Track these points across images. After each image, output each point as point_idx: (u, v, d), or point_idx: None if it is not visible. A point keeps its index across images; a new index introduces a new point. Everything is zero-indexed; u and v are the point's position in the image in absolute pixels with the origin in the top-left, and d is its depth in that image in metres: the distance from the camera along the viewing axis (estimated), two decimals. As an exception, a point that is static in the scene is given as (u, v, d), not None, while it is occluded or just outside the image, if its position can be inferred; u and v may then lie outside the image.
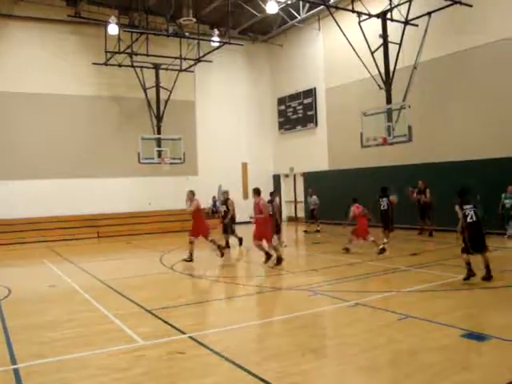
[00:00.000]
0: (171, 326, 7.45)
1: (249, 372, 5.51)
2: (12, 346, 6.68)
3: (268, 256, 13.06)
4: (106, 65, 23.11)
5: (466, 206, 9.79)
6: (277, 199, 17.15)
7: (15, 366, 5.90)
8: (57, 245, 19.81)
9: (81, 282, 11.55)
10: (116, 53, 22.33)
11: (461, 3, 17.56)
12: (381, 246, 14.18)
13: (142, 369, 5.76)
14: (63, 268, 13.85)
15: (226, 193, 17.45)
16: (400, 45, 18.01)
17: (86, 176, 23.77)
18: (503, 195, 17.03)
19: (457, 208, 9.87)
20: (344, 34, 18.72)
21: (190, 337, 6.85)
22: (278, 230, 16.34)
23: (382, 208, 15.43)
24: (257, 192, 13.18)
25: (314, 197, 22.22)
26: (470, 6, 17.72)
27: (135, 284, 11.34)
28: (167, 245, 18.57)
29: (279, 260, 12.78)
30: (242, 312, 8.78)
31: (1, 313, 8.64)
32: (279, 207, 18.08)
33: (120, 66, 23.14)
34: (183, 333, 7.06)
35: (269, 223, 13.39)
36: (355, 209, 15.03)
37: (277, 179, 29.65)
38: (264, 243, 13.09)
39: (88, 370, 5.79)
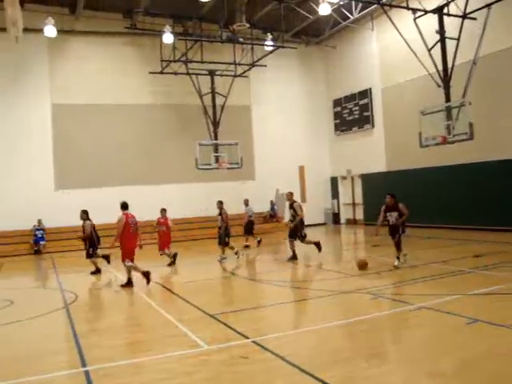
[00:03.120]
0: (234, 330, 7.46)
1: (313, 377, 5.45)
2: (82, 349, 6.88)
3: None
4: (162, 73, 23.60)
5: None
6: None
7: (86, 369, 6.07)
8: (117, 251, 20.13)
9: (144, 287, 11.76)
10: (171, 61, 22.77)
11: (522, -7, 16.92)
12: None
13: (207, 373, 5.80)
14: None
15: (220, 202, 16.31)
16: (458, 40, 17.47)
17: (144, 183, 24.30)
18: None
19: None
20: (399, 32, 18.37)
21: (254, 341, 6.84)
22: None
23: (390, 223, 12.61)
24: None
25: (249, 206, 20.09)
26: (533, -5, 17.04)
27: (196, 288, 11.46)
28: (227, 249, 18.68)
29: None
30: (304, 316, 8.72)
31: (69, 318, 8.92)
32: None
33: (176, 73, 23.56)
34: (246, 337, 7.06)
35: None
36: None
37: (334, 182, 29.39)
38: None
39: (154, 373, 5.88)
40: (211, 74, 24.26)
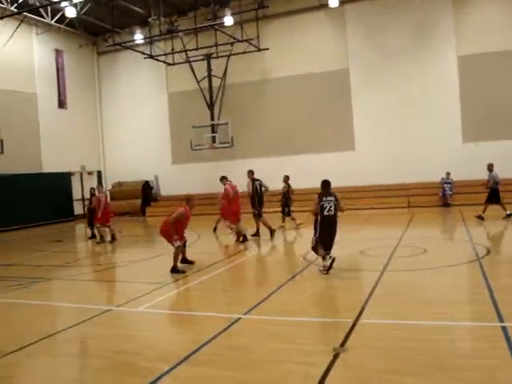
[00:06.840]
0: None
1: None
2: (497, 304, 6.70)
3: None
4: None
5: (325, 198, 9.19)
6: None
7: (503, 324, 5.91)
8: None
9: None
10: None
11: None
12: None
13: None
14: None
15: (92, 188, 17.54)
16: None
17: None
18: None
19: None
20: None
21: None
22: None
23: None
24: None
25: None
26: None
27: None
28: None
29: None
30: None
31: (482, 271, 8.76)
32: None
33: None
34: None
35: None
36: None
37: None
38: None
39: None
40: None
